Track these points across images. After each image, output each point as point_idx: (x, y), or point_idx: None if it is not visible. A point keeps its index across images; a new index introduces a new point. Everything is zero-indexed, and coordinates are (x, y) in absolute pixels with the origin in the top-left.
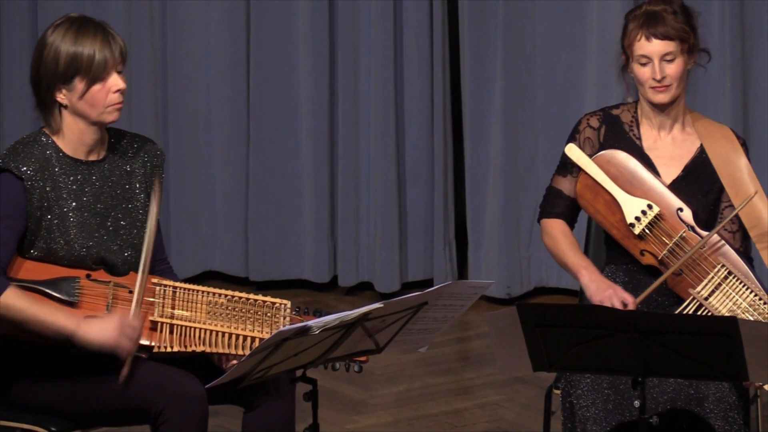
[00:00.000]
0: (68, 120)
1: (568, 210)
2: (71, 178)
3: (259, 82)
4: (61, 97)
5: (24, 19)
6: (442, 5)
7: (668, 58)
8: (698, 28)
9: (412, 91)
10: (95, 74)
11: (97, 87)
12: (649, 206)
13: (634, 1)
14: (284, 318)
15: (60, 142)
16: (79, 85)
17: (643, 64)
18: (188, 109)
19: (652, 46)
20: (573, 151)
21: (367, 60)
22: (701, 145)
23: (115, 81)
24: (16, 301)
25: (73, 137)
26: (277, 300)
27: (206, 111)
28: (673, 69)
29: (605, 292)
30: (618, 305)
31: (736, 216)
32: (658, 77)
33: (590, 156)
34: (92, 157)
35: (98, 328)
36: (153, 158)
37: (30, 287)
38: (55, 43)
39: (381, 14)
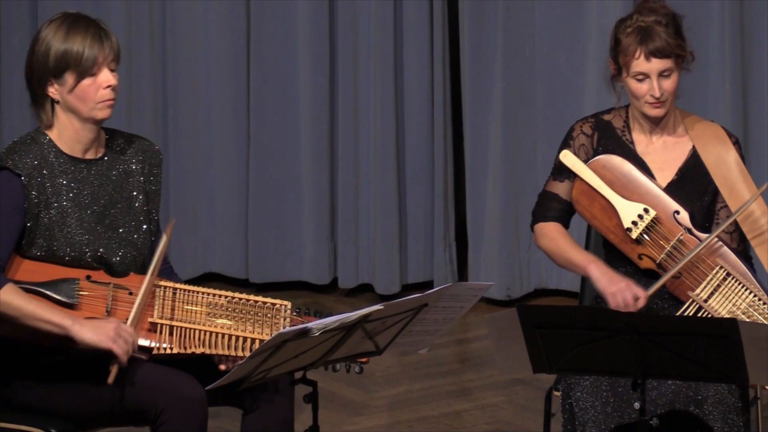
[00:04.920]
0: (61, 116)
1: (564, 213)
2: (69, 176)
3: (258, 82)
4: (53, 91)
5: (24, 19)
6: (442, 6)
7: (665, 74)
8: (686, 33)
9: (411, 93)
10: (84, 68)
11: (87, 82)
12: (646, 210)
13: (634, 2)
14: (284, 319)
15: (57, 141)
16: (69, 79)
17: (640, 80)
18: (188, 110)
19: (650, 65)
20: (568, 158)
21: (367, 61)
22: (693, 147)
23: (106, 77)
24: (13, 298)
25: (68, 135)
26: (278, 301)
27: (206, 112)
28: (669, 84)
29: (619, 284)
30: (629, 299)
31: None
32: (658, 95)
33: (585, 162)
34: (90, 156)
35: (94, 329)
36: (151, 158)
37: (30, 289)
38: (47, 38)
39: (381, 15)
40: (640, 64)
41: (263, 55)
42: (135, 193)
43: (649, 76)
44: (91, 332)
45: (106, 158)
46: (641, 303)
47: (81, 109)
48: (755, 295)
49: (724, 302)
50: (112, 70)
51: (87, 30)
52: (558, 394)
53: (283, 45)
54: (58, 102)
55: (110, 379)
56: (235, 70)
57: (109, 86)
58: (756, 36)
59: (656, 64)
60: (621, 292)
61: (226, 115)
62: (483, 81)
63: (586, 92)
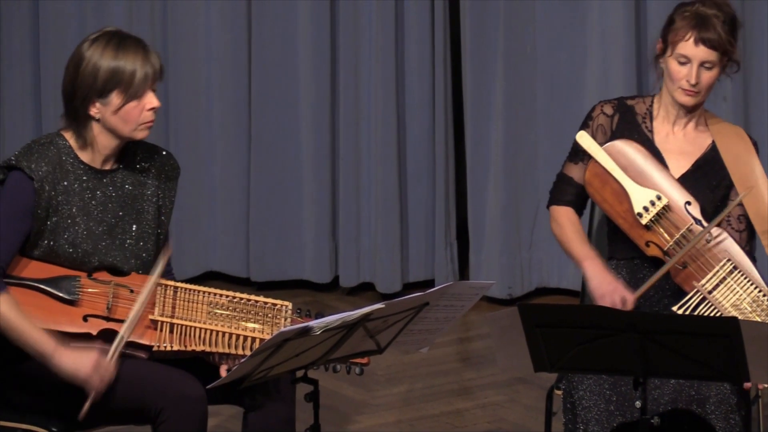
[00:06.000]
0: (97, 132)
1: (578, 198)
2: (83, 184)
3: (260, 82)
4: (95, 110)
5: (24, 19)
6: (444, 5)
7: (707, 65)
8: (741, 41)
9: (413, 92)
10: (135, 91)
11: (132, 104)
12: (658, 197)
13: (635, 2)
14: (285, 319)
15: (78, 149)
16: (115, 99)
17: (682, 63)
18: (189, 110)
19: (696, 51)
20: (584, 139)
21: (368, 60)
22: (713, 141)
23: (150, 99)
24: (7, 309)
25: (93, 147)
26: (279, 301)
27: (207, 111)
28: (708, 77)
29: (606, 287)
30: (617, 302)
31: (745, 215)
32: (693, 82)
33: (601, 144)
34: (106, 166)
35: (73, 360)
36: (169, 171)
37: (30, 285)
38: (93, 58)
39: (382, 14)
40: (687, 46)
41: (264, 55)
42: (147, 207)
43: (691, 62)
44: (69, 361)
45: (121, 169)
46: (629, 306)
47: (122, 130)
48: (760, 290)
49: (728, 295)
50: (153, 90)
51: (136, 50)
52: (559, 392)
53: (284, 44)
54: (97, 120)
55: (81, 415)
56: (236, 69)
57: (152, 108)
58: (756, 36)
59: (702, 52)
60: (609, 295)
61: (228, 114)
62: (484, 80)
63: (586, 92)
